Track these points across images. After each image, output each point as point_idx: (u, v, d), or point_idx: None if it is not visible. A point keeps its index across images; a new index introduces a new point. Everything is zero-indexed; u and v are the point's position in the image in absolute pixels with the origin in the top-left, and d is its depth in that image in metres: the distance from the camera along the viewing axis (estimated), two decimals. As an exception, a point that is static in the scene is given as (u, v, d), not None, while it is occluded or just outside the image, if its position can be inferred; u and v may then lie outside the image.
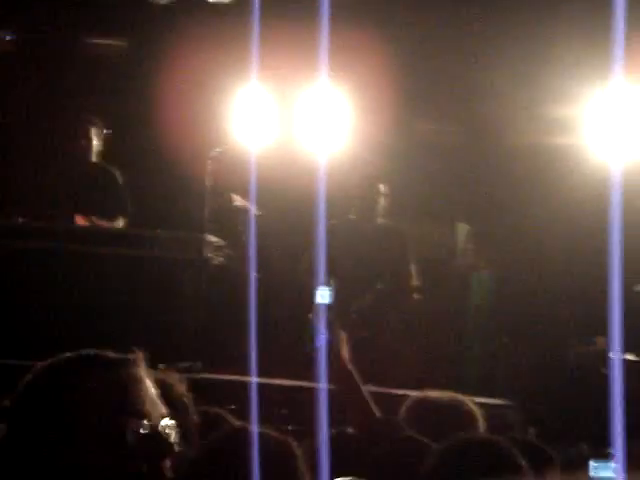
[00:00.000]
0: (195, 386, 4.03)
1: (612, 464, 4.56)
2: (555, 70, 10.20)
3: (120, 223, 9.88)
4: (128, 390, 2.51)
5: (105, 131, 10.00)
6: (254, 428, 3.08)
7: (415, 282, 9.18)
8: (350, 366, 4.54)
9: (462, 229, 9.95)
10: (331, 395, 3.35)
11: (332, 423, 4.33)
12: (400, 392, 6.61)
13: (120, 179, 9.92)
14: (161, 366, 7.96)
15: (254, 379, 3.62)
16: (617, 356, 1.91)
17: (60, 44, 11.72)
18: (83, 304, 9.15)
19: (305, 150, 10.09)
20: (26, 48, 11.82)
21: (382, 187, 9.35)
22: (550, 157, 10.45)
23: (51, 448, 2.46)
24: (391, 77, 10.44)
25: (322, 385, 3.02)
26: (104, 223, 9.83)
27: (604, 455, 4.25)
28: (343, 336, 4.56)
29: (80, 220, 9.99)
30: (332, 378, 4.42)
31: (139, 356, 2.61)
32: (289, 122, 10.45)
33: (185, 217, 9.92)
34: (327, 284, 4.69)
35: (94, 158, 9.99)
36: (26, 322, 8.93)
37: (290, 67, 9.72)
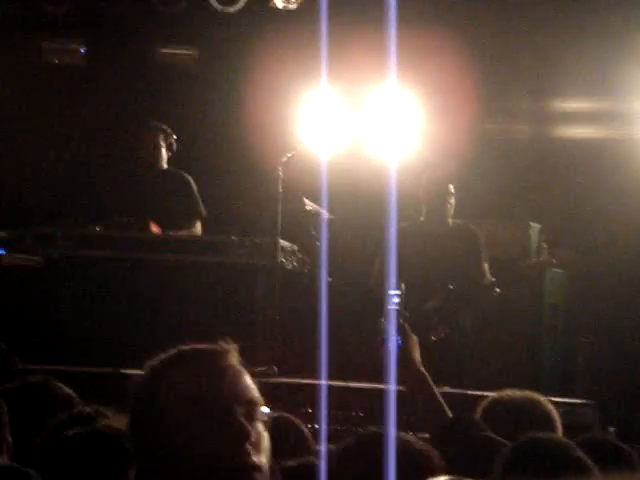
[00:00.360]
0: (272, 390, 4.03)
1: None
2: (629, 66, 10.11)
3: (197, 227, 9.92)
4: (237, 379, 2.56)
5: (174, 138, 10.03)
6: (391, 432, 3.04)
7: (488, 280, 9.09)
8: (422, 368, 4.51)
9: (535, 229, 9.86)
10: (403, 397, 3.32)
11: (405, 425, 4.30)
12: (477, 393, 6.54)
13: (194, 184, 9.94)
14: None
15: (324, 382, 3.61)
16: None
17: (133, 54, 11.80)
18: (164, 309, 9.23)
19: (375, 154, 10.06)
20: (100, 59, 11.91)
21: (451, 188, 9.28)
22: (622, 154, 10.36)
23: (183, 443, 2.47)
24: (461, 79, 10.38)
25: (392, 387, 2.98)
26: (181, 229, 9.87)
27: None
28: (414, 339, 4.52)
29: (154, 228, 10.03)
30: (404, 380, 4.38)
31: (232, 347, 2.63)
32: (359, 126, 10.42)
33: (258, 222, 9.93)
34: (398, 288, 4.66)
35: (164, 165, 10.02)
36: (113, 328, 9.02)
37: (359, 71, 9.68)
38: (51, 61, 12.01)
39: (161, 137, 10.02)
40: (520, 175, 10.45)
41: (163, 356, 2.59)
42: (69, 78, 11.88)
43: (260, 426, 2.54)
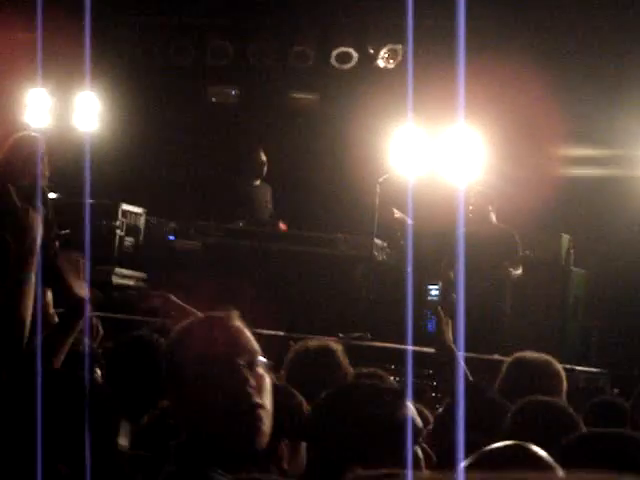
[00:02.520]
0: (365, 351, 4.03)
1: None
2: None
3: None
4: (237, 336, 2.46)
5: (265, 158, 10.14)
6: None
7: (519, 272, 8.89)
8: (451, 345, 4.34)
9: (565, 238, 9.75)
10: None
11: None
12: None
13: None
14: (340, 335, 8.00)
15: (409, 347, 3.58)
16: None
17: (271, 97, 11.86)
18: (286, 287, 9.27)
19: (448, 177, 10.02)
20: (247, 100, 11.99)
21: (492, 200, 9.17)
22: (628, 186, 10.26)
23: (199, 391, 2.38)
24: (515, 123, 10.30)
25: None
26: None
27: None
28: (448, 321, 4.38)
29: (282, 225, 10.08)
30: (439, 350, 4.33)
31: (234, 312, 2.50)
32: (437, 156, 10.38)
33: (360, 225, 9.94)
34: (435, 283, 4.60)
35: (261, 179, 10.14)
36: (247, 297, 9.08)
37: (437, 113, 9.63)
38: (211, 100, 12.14)
39: (262, 156, 10.15)
40: (559, 199, 10.33)
41: (183, 323, 2.49)
42: (224, 113, 12.00)
43: (260, 371, 2.42)
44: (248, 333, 2.47)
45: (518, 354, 4.32)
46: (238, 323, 2.46)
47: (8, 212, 3.61)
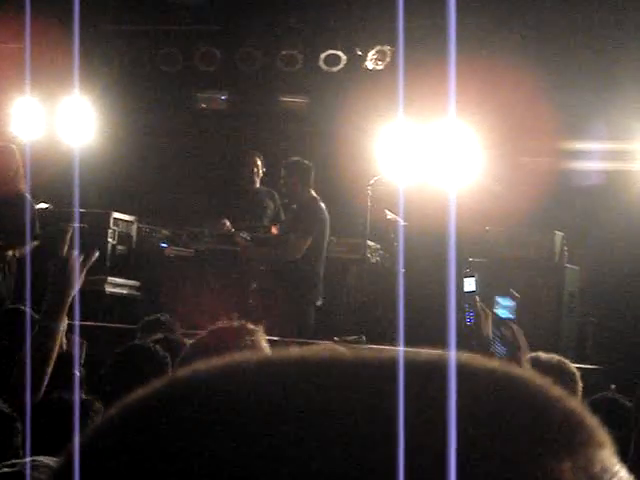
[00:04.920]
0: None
1: None
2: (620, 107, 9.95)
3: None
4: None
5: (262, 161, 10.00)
6: None
7: None
8: (490, 337, 4.32)
9: (559, 236, 9.76)
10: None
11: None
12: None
13: (277, 197, 9.91)
14: (335, 339, 7.99)
15: (402, 349, 3.55)
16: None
17: (261, 101, 11.86)
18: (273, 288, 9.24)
19: (439, 177, 10.02)
20: (236, 105, 11.99)
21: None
22: (620, 181, 10.27)
23: None
24: (505, 121, 10.31)
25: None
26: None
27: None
28: (488, 314, 4.36)
29: (275, 230, 10.06)
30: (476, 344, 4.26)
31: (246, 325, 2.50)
32: (427, 155, 10.38)
33: (352, 227, 9.93)
34: (472, 275, 4.50)
35: (258, 184, 10.00)
36: (237, 297, 9.06)
37: (427, 115, 9.64)
38: (200, 106, 12.15)
39: (258, 163, 10.01)
40: (551, 196, 10.35)
41: (200, 335, 2.48)
42: (214, 119, 12.00)
43: None
44: (264, 343, 2.45)
45: (532, 354, 4.31)
46: (249, 338, 2.44)
47: (54, 256, 3.61)
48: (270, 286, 9.07)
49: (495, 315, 4.36)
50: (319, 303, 8.95)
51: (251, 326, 2.46)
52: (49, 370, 3.55)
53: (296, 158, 9.09)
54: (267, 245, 9.38)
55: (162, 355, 4.27)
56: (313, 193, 8.97)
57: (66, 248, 3.62)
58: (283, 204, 9.63)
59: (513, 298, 4.19)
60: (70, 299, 3.64)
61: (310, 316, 8.83)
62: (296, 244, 8.87)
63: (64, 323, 3.64)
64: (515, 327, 4.17)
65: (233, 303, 8.54)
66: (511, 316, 4.15)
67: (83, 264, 3.70)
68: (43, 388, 3.52)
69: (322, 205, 8.94)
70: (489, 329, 4.32)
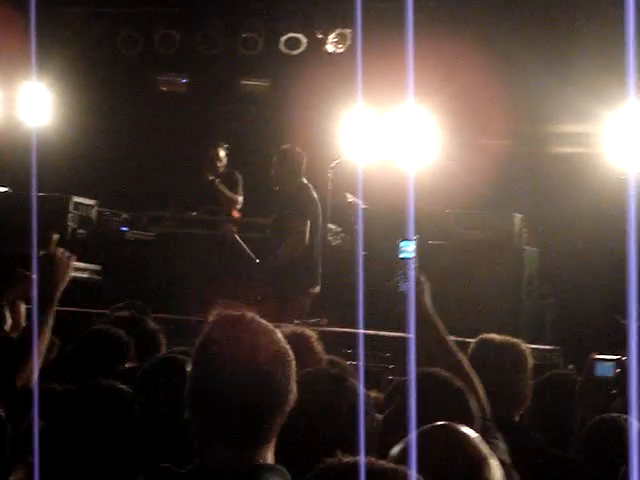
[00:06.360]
0: (322, 335, 4.02)
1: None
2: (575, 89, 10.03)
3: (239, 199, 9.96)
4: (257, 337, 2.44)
5: (227, 146, 10.04)
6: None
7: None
8: (432, 311, 3.87)
9: (518, 218, 9.82)
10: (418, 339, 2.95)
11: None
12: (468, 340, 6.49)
13: (241, 179, 9.94)
14: (296, 321, 8.01)
15: (361, 331, 3.49)
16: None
17: (221, 84, 11.84)
18: (239, 271, 9.25)
19: (399, 160, 10.06)
20: (197, 88, 11.95)
21: None
22: (579, 164, 10.36)
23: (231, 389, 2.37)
24: (465, 104, 10.36)
25: (409, 332, 2.80)
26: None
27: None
28: (427, 285, 3.90)
29: (236, 214, 10.06)
30: (417, 323, 3.93)
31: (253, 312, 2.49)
32: (387, 137, 10.42)
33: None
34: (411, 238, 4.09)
35: (223, 168, 10.03)
36: (199, 283, 9.05)
37: (388, 96, 9.65)
38: (161, 89, 12.10)
39: (220, 149, 10.03)
40: (511, 178, 10.43)
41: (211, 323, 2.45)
42: (174, 101, 11.96)
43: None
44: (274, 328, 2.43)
45: (483, 335, 4.34)
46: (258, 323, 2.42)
47: (45, 252, 3.82)
48: (259, 276, 8.96)
49: (398, 258, 4.00)
50: (316, 290, 8.85)
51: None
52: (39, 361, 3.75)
53: (287, 146, 8.96)
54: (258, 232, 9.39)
55: (124, 339, 4.28)
56: (304, 180, 8.85)
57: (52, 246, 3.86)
58: (274, 192, 9.55)
59: (414, 240, 3.86)
60: (59, 293, 3.81)
61: (305, 302, 8.72)
62: (300, 230, 8.64)
63: (50, 317, 3.81)
64: (414, 264, 3.92)
65: (205, 289, 8.56)
66: (410, 255, 3.77)
67: (69, 259, 3.87)
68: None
69: (314, 193, 8.84)
70: (428, 300, 3.89)
